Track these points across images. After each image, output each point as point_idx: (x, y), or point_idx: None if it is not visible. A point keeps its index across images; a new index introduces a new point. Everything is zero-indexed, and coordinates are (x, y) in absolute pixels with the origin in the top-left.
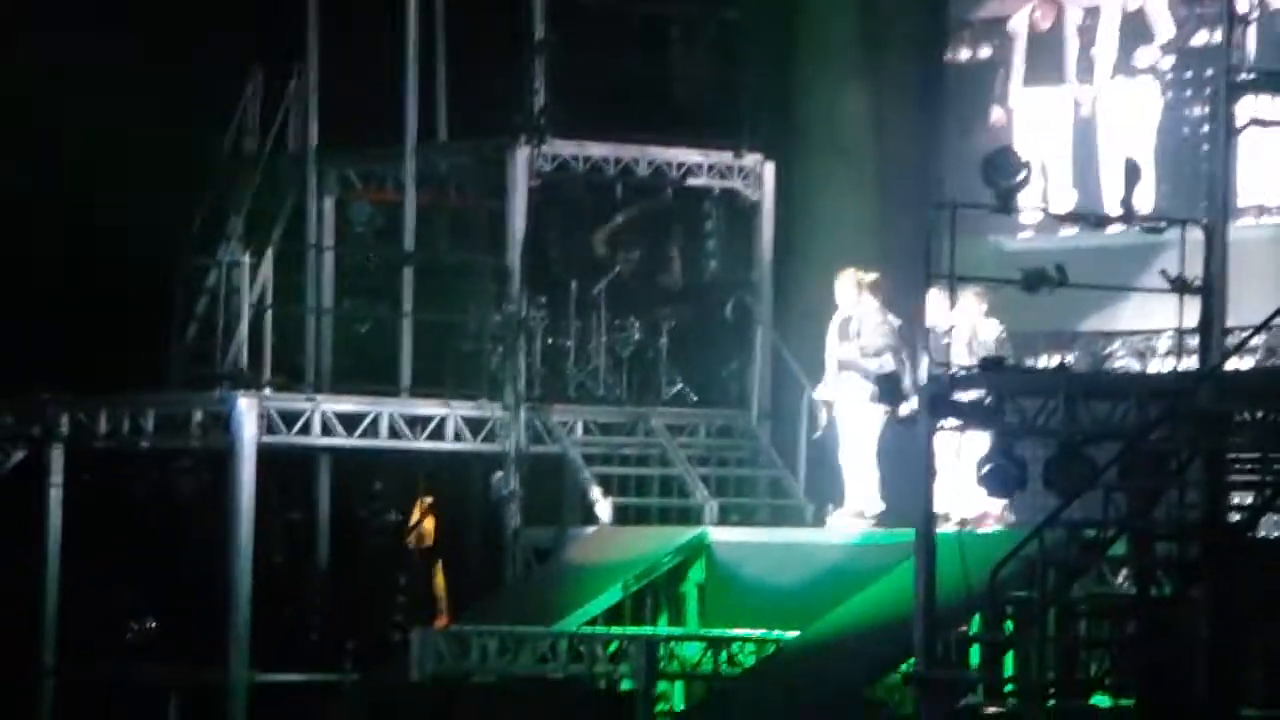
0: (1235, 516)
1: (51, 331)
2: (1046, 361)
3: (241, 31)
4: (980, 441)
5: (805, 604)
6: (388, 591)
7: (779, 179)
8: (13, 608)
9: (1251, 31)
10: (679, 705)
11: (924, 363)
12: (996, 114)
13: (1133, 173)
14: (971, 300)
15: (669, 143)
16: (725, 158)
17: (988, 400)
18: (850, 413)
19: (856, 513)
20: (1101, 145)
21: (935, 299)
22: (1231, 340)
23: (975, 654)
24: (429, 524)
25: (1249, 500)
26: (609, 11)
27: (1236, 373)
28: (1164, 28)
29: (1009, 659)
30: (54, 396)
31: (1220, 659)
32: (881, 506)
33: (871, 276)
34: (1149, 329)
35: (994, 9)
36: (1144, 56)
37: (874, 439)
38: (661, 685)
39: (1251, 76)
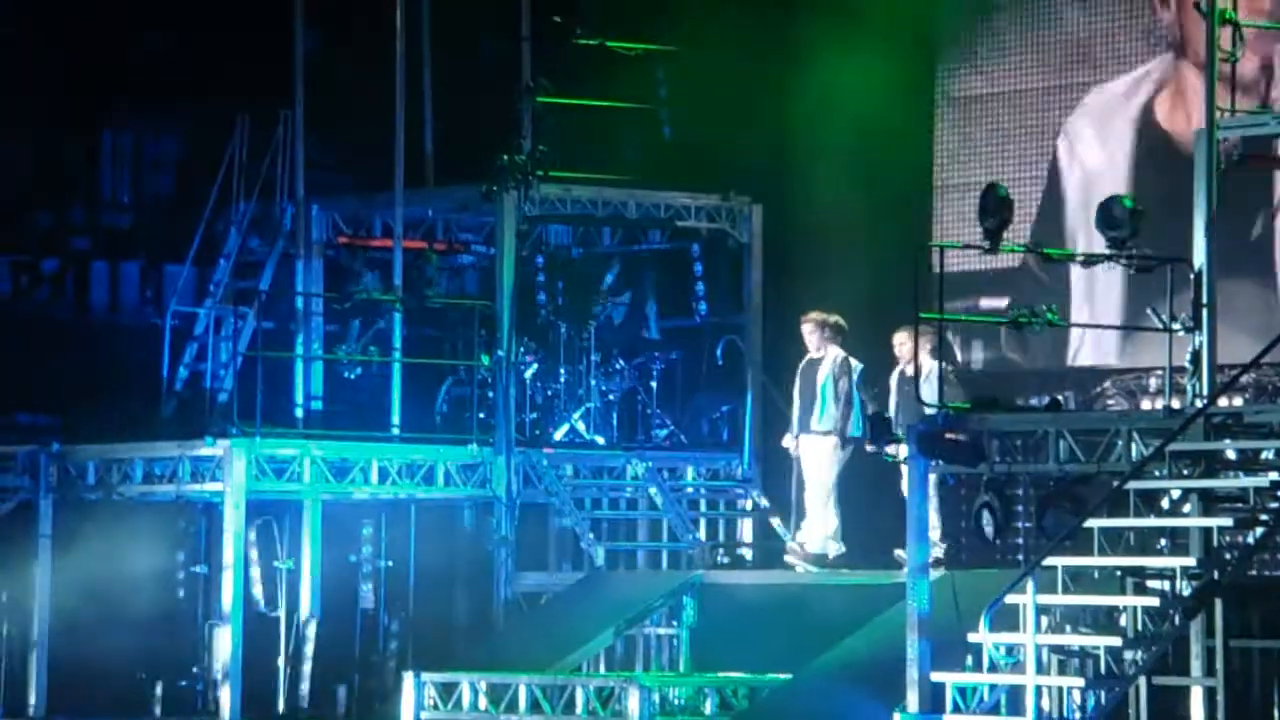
0: (1228, 554)
1: (40, 383)
2: (1037, 400)
3: (229, 79)
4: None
5: (798, 646)
6: (379, 637)
7: (768, 221)
8: (3, 657)
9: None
10: None
11: (892, 401)
12: None
13: (1122, 209)
14: (921, 340)
15: (657, 185)
16: (713, 200)
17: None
18: (813, 455)
19: (817, 556)
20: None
21: (901, 339)
22: (1221, 379)
23: (970, 695)
24: None
25: (1242, 538)
26: (596, 55)
27: (1227, 410)
28: None
29: (1003, 698)
30: (43, 448)
31: (1218, 697)
32: (842, 549)
33: (833, 319)
34: (1139, 368)
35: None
36: None
37: (832, 481)
38: None
39: (1235, 116)
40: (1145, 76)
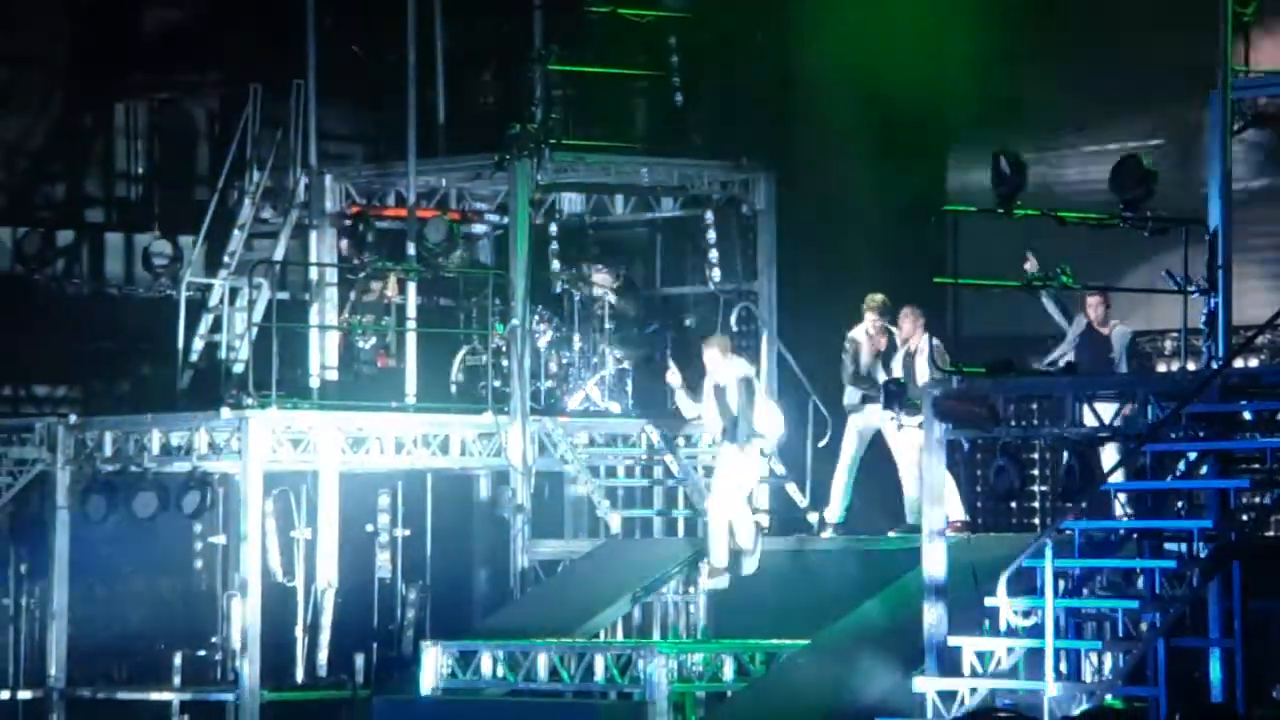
0: (1245, 516)
1: (57, 355)
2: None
3: (242, 49)
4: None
5: (815, 612)
6: (396, 607)
7: (780, 187)
8: (23, 629)
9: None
10: (690, 716)
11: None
12: None
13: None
14: (911, 316)
15: (669, 153)
16: (726, 167)
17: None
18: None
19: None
20: None
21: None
22: (1237, 340)
23: (987, 658)
24: None
25: (1259, 499)
26: (608, 23)
27: (1243, 371)
28: None
29: (1020, 662)
30: (60, 420)
31: (1236, 658)
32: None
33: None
34: (1155, 329)
35: None
36: None
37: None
38: (672, 696)
39: (1250, 75)
40: None
